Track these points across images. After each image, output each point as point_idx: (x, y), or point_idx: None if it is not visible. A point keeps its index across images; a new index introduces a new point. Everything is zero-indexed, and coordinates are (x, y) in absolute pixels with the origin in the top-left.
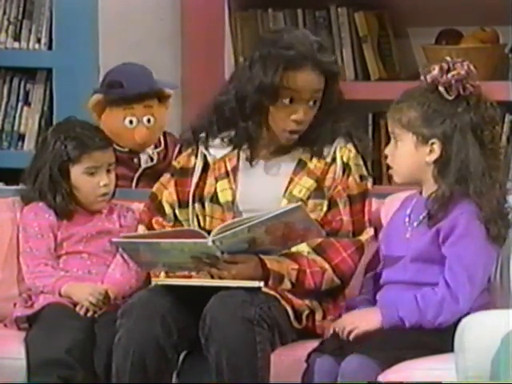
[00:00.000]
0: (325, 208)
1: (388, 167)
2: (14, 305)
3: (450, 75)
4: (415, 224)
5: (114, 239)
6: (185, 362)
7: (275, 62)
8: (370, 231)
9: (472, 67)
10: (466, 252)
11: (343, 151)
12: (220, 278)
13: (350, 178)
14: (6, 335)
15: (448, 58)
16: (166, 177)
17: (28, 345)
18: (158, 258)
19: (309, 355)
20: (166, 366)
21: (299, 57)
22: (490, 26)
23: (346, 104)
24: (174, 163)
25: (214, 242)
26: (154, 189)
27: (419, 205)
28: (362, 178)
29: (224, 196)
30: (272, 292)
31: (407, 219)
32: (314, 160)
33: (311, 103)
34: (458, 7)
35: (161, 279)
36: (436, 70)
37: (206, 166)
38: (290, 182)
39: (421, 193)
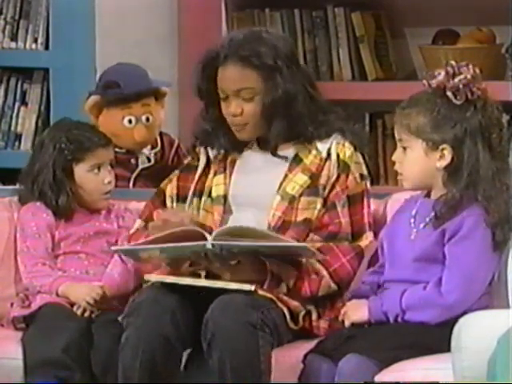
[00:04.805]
0: (318, 206)
1: (395, 173)
2: (11, 305)
3: (457, 80)
4: (421, 226)
5: (113, 247)
6: (188, 361)
7: (202, 65)
8: (369, 236)
9: (477, 70)
10: (466, 254)
11: (340, 148)
12: (219, 275)
13: (350, 178)
14: (3, 335)
15: (453, 62)
16: (175, 173)
17: (25, 345)
18: (157, 256)
19: (305, 356)
20: (175, 363)
21: (220, 54)
22: (486, 26)
23: (322, 103)
24: (184, 161)
25: (213, 245)
26: (162, 184)
27: (425, 207)
28: (362, 176)
29: (217, 190)
30: (269, 294)
31: (412, 220)
32: (311, 156)
33: (245, 96)
34: (454, 7)
35: (152, 276)
36: (442, 75)
37: (209, 162)
38: (284, 179)
39: (427, 195)
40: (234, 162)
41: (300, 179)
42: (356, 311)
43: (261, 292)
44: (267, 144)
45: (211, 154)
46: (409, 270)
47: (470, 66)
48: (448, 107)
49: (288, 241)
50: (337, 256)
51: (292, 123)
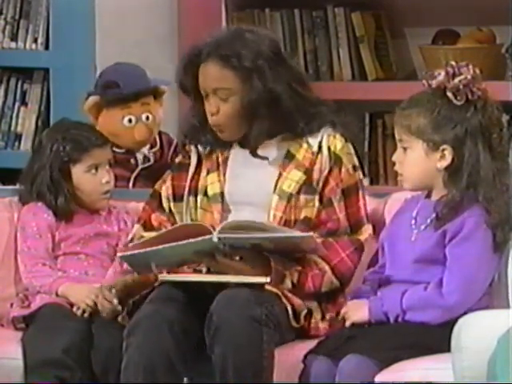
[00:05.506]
0: (316, 203)
1: (396, 173)
2: (11, 305)
3: (457, 80)
4: (422, 227)
5: (119, 254)
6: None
7: (186, 61)
8: (368, 228)
9: (477, 70)
10: (467, 255)
11: (331, 141)
12: (222, 271)
13: (343, 170)
14: (3, 335)
15: (453, 63)
16: (168, 173)
17: (25, 345)
18: (160, 261)
19: (305, 356)
20: (175, 377)
21: (203, 51)
22: (486, 26)
23: (311, 98)
24: (175, 159)
25: (219, 238)
26: (156, 186)
27: (426, 208)
28: (354, 168)
29: (212, 188)
30: (274, 290)
31: (413, 222)
32: (302, 151)
33: (221, 96)
34: (454, 7)
35: (165, 275)
36: (442, 75)
37: (200, 160)
38: (279, 177)
39: (427, 196)
40: (226, 160)
41: (295, 176)
42: (356, 311)
43: (267, 287)
44: (248, 144)
45: (202, 151)
46: (409, 270)
47: (470, 66)
48: (448, 108)
49: (292, 231)
50: (336, 251)
51: (278, 121)
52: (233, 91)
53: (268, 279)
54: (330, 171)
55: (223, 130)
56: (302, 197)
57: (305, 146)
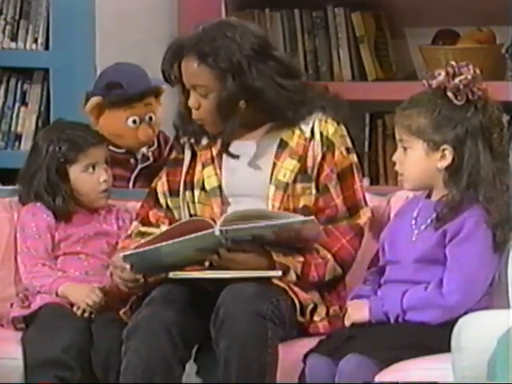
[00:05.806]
0: (313, 191)
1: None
2: (11, 305)
3: (457, 80)
4: (422, 227)
5: (125, 253)
6: (195, 359)
7: (169, 54)
8: (367, 211)
9: (477, 70)
10: (467, 255)
11: (323, 126)
12: (226, 266)
13: (336, 153)
14: (3, 335)
15: (453, 63)
16: (163, 170)
17: (25, 345)
18: (163, 262)
19: (305, 355)
20: (174, 380)
21: (185, 46)
22: (486, 26)
23: (297, 86)
24: (170, 155)
25: (221, 231)
26: (153, 183)
27: (426, 208)
28: (348, 150)
29: (210, 182)
30: (281, 284)
31: (413, 222)
32: (296, 137)
33: (201, 92)
34: (454, 7)
35: (177, 273)
36: (442, 75)
37: (194, 154)
38: (273, 167)
39: (428, 196)
40: (220, 153)
41: (289, 164)
42: (357, 311)
43: (274, 281)
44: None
45: (196, 146)
46: (410, 270)
47: (471, 67)
48: (449, 108)
49: (294, 215)
50: (336, 238)
51: (262, 114)
52: (209, 88)
53: (280, 273)
54: (324, 157)
55: (205, 124)
56: (299, 185)
57: (298, 132)
